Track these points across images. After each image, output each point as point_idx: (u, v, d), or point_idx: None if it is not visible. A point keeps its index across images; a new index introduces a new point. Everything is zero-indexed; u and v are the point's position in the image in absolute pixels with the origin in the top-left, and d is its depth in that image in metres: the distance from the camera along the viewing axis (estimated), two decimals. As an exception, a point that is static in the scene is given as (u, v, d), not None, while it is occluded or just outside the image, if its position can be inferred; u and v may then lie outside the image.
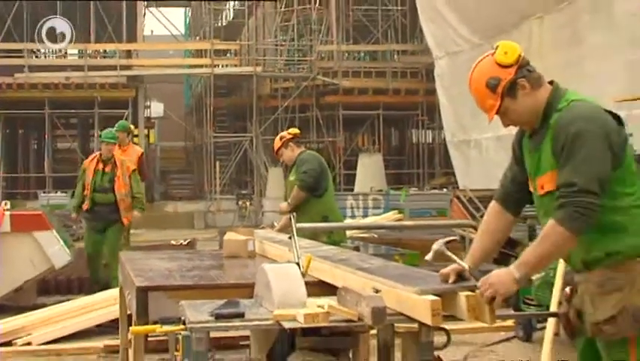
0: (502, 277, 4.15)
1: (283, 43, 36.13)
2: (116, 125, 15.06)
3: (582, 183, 4.03)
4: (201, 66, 35.89)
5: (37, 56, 35.71)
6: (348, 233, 12.59)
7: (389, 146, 40.20)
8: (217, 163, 34.89)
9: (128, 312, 7.43)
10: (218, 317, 4.53)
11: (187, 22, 48.45)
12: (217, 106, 35.93)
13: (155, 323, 4.98)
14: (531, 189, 4.45)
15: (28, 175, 37.34)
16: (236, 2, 41.66)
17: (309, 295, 4.70)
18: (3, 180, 33.88)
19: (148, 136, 40.06)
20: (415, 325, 4.49)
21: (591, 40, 17.57)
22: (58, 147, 39.64)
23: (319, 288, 5.39)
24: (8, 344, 9.79)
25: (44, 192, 30.96)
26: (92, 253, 12.72)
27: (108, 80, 33.01)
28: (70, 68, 34.03)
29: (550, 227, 4.10)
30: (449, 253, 4.58)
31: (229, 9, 43.10)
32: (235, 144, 36.39)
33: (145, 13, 38.54)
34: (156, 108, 43.48)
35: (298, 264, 5.30)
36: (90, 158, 13.14)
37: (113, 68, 33.60)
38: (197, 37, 42.16)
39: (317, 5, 34.71)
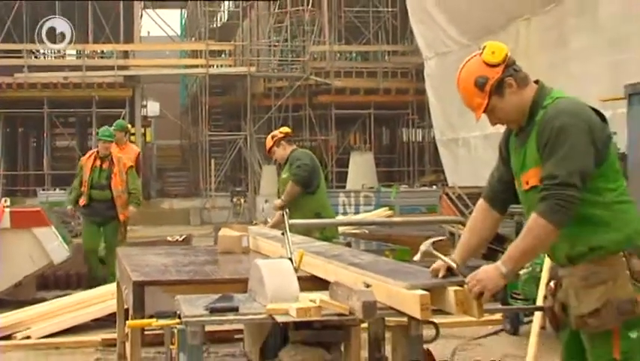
0: (490, 272, 4.17)
1: (276, 44, 36.08)
2: (114, 124, 15.03)
3: (564, 176, 4.04)
4: (197, 66, 35.86)
5: (36, 57, 35.65)
6: (340, 229, 12.58)
7: (380, 144, 40.20)
8: (212, 161, 34.86)
9: (125, 306, 7.44)
10: (213, 311, 4.53)
11: (183, 23, 48.37)
12: (212, 105, 35.88)
13: (151, 317, 4.98)
14: (516, 185, 4.46)
15: (28, 173, 37.28)
16: (231, 4, 41.60)
17: (302, 289, 4.71)
18: (3, 177, 33.84)
19: (144, 135, 40.07)
20: (405, 319, 4.50)
21: (576, 42, 17.59)
22: (56, 146, 39.59)
23: (311, 283, 5.39)
24: (8, 337, 9.78)
25: (43, 190, 30.90)
26: (89, 247, 12.69)
27: (106, 79, 32.97)
28: (69, 68, 33.97)
29: (532, 220, 4.12)
30: (436, 253, 4.59)
31: (224, 11, 43.04)
32: (230, 142, 36.38)
33: (142, 15, 38.53)
34: (153, 107, 43.45)
35: (291, 259, 5.30)
36: (87, 155, 13.11)
37: (111, 68, 33.56)
38: (193, 38, 42.10)
39: (310, 7, 34.67)
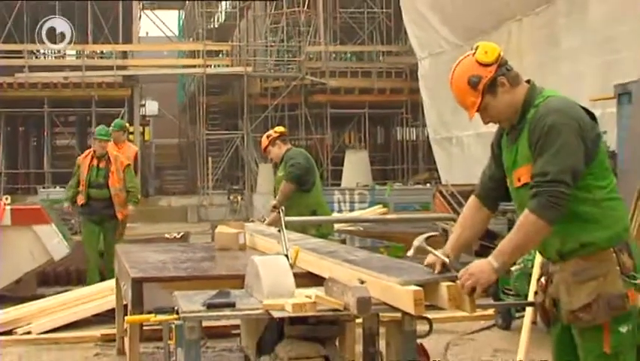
0: (482, 267, 4.17)
1: (273, 44, 36.09)
2: (113, 124, 15.01)
3: (555, 173, 4.05)
4: (194, 66, 35.82)
5: (36, 57, 35.62)
6: (335, 226, 12.58)
7: (375, 143, 40.19)
8: (209, 159, 34.85)
9: (124, 302, 7.44)
10: (210, 306, 4.54)
11: (181, 24, 48.33)
12: (209, 104, 35.86)
13: (149, 312, 4.98)
14: (508, 182, 4.47)
15: (28, 171, 37.22)
16: (228, 5, 41.58)
17: (297, 285, 4.71)
18: (4, 175, 33.79)
19: (143, 133, 40.05)
20: (399, 314, 4.50)
21: (567, 42, 17.58)
22: (57, 144, 39.53)
23: (307, 279, 5.40)
24: (9, 333, 9.80)
25: (44, 188, 30.85)
26: (90, 246, 12.66)
27: (105, 79, 32.94)
28: (69, 68, 33.92)
29: (524, 217, 4.13)
30: (429, 249, 4.59)
31: (221, 12, 43.03)
32: (227, 141, 36.36)
33: (140, 16, 38.49)
34: (151, 107, 43.43)
35: (287, 256, 5.30)
36: (84, 154, 13.03)
37: (110, 68, 33.51)
38: (191, 39, 42.05)
39: (305, 8, 34.67)
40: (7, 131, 35.79)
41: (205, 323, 4.56)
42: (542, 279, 4.52)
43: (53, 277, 13.50)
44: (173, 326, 4.56)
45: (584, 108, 4.29)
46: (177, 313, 4.56)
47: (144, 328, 7.15)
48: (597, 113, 4.47)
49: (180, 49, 42.46)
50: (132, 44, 36.07)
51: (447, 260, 4.47)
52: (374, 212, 18.97)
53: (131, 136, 33.80)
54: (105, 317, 10.09)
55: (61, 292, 11.72)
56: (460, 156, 23.55)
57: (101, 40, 35.59)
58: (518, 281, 9.14)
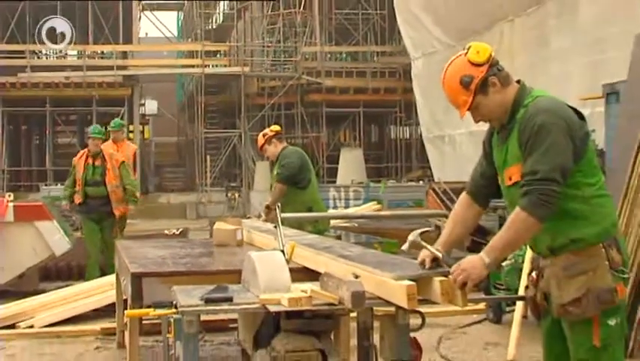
0: (474, 262, 4.18)
1: (270, 44, 36.07)
2: (112, 123, 15.01)
3: (545, 171, 4.05)
4: (193, 66, 35.82)
5: (38, 57, 35.58)
6: (331, 223, 12.58)
7: (369, 141, 40.16)
8: (208, 157, 34.85)
9: (124, 297, 7.44)
10: (208, 301, 4.53)
11: (179, 25, 48.30)
12: (207, 103, 35.86)
13: (148, 307, 4.97)
14: (500, 181, 4.47)
15: (31, 169, 37.18)
16: (226, 6, 41.55)
17: (293, 280, 4.71)
18: (7, 173, 33.76)
19: (143, 132, 39.99)
20: (392, 308, 4.50)
21: (557, 42, 17.59)
22: (58, 143, 39.45)
23: (303, 274, 5.39)
24: (12, 326, 9.80)
25: (45, 185, 30.79)
26: (91, 244, 12.64)
27: (105, 79, 32.92)
28: (70, 68, 33.91)
29: (515, 214, 4.13)
30: (424, 243, 4.59)
31: (219, 13, 43.00)
32: (225, 139, 36.36)
33: (140, 17, 38.46)
34: (150, 106, 43.38)
35: (283, 251, 5.30)
36: (79, 155, 12.91)
37: (110, 68, 33.49)
38: (189, 39, 42.05)
39: (301, 9, 34.66)
40: (10, 130, 35.76)
41: (203, 317, 4.55)
42: (533, 273, 4.53)
43: (55, 273, 13.50)
44: (172, 320, 4.55)
45: (572, 108, 4.30)
46: (176, 307, 4.55)
47: (144, 322, 7.14)
48: (586, 112, 4.48)
49: (179, 49, 42.44)
50: (132, 45, 36.04)
51: (440, 255, 4.47)
52: (368, 209, 19.00)
53: (131, 134, 33.94)
54: (105, 312, 10.10)
55: (63, 287, 11.72)
56: (453, 154, 23.56)
57: (102, 40, 35.59)
58: (509, 276, 9.15)
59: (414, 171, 34.16)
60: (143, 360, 6.98)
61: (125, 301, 6.67)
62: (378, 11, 35.34)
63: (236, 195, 32.59)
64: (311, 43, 35.36)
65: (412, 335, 4.70)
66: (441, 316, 9.59)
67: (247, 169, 34.44)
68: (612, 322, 4.18)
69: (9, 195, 12.94)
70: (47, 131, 35.00)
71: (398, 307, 4.42)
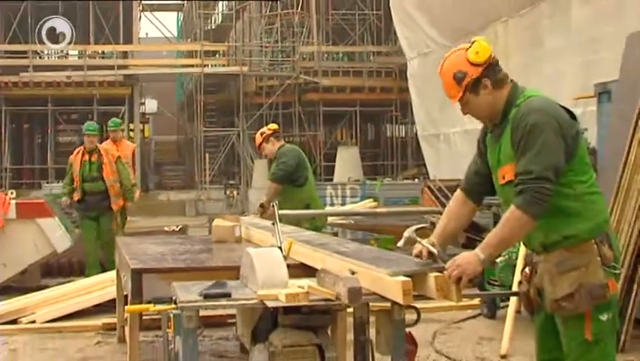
0: (469, 258, 4.18)
1: (268, 44, 36.06)
2: (111, 123, 14.98)
3: (539, 170, 4.06)
4: (192, 66, 35.82)
5: (40, 57, 35.53)
6: (328, 220, 12.57)
7: (365, 139, 40.17)
8: (207, 155, 34.84)
9: (124, 293, 7.44)
10: (207, 296, 4.53)
11: (179, 25, 48.30)
12: (207, 102, 35.85)
13: (148, 302, 4.97)
14: (494, 179, 4.47)
15: (33, 167, 37.18)
16: (225, 7, 41.53)
17: (291, 276, 4.71)
18: (9, 171, 33.73)
19: (143, 130, 40.00)
20: (388, 304, 4.50)
21: (550, 43, 17.58)
22: (60, 141, 39.42)
23: (300, 270, 5.39)
24: (14, 322, 9.79)
25: (47, 182, 30.79)
26: (89, 243, 12.63)
27: (106, 78, 32.89)
28: (71, 67, 33.90)
29: (510, 212, 4.14)
30: (419, 240, 4.59)
31: (218, 13, 42.99)
32: (223, 137, 36.33)
33: (140, 17, 38.44)
34: (151, 105, 43.38)
35: (280, 248, 5.30)
36: (75, 152, 12.87)
37: (111, 67, 33.48)
38: (189, 39, 42.05)
39: (299, 10, 34.66)
40: (13, 129, 35.73)
41: (202, 313, 4.55)
42: (527, 269, 4.54)
43: (57, 269, 13.51)
44: (172, 315, 4.55)
45: (563, 107, 4.31)
46: (175, 303, 4.55)
47: (144, 317, 7.15)
48: (578, 111, 4.50)
49: (179, 49, 42.43)
50: (132, 45, 36.03)
51: (435, 251, 4.47)
52: (365, 206, 18.98)
53: (131, 133, 33.97)
54: (106, 307, 10.09)
55: (64, 283, 11.73)
56: (448, 152, 23.55)
57: (103, 40, 35.59)
58: (503, 272, 9.16)
59: (409, 168, 34.15)
60: (143, 355, 6.98)
61: (126, 296, 6.67)
62: (375, 12, 35.36)
63: (235, 192, 32.60)
64: (308, 43, 35.36)
65: (407, 330, 4.71)
66: (436, 311, 9.59)
67: (245, 167, 34.43)
68: (604, 317, 4.18)
69: (11, 193, 12.96)
70: (49, 130, 35.00)
71: (394, 303, 4.43)
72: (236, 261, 5.46)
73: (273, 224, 6.02)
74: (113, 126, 14.84)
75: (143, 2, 38.70)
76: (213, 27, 42.18)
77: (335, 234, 12.12)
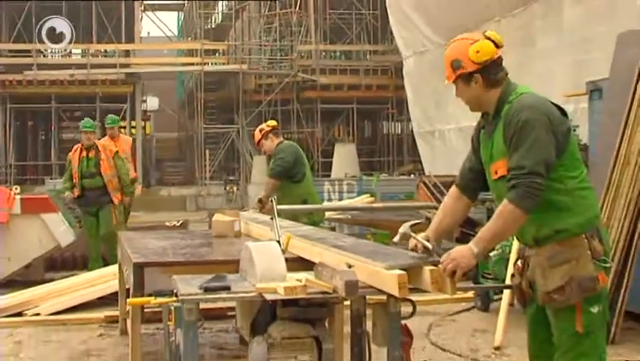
0: (463, 252, 4.19)
1: (267, 43, 36.04)
2: (109, 120, 14.97)
3: (530, 166, 4.07)
4: (192, 64, 35.80)
5: (44, 55, 35.47)
6: (325, 215, 12.56)
7: (362, 136, 40.16)
8: (207, 152, 34.83)
9: (127, 286, 7.43)
10: (207, 289, 4.54)
11: (180, 24, 48.25)
12: (207, 100, 35.83)
13: (150, 295, 4.97)
14: (487, 174, 4.48)
15: (37, 163, 37.13)
16: (225, 7, 41.50)
17: (289, 270, 4.71)
18: (14, 167, 33.73)
19: (144, 127, 39.95)
20: (384, 296, 4.50)
21: (542, 42, 17.58)
22: (63, 138, 39.39)
23: (298, 263, 5.39)
24: (19, 314, 9.81)
25: (51, 178, 30.70)
26: (90, 238, 12.63)
27: (108, 77, 32.87)
28: (74, 66, 33.82)
29: (503, 206, 4.14)
30: (414, 235, 4.60)
31: (218, 13, 42.94)
32: (223, 134, 36.31)
33: (142, 17, 38.43)
34: (152, 102, 43.30)
35: (279, 242, 5.30)
36: (73, 149, 12.85)
37: (113, 66, 33.49)
38: (189, 38, 42.02)
39: (297, 9, 34.64)
40: (17, 126, 35.71)
41: (202, 306, 4.55)
42: (519, 262, 4.54)
43: (60, 263, 13.50)
44: (173, 308, 4.56)
45: (554, 104, 4.32)
46: (176, 296, 4.55)
47: (145, 310, 7.14)
48: (570, 108, 4.51)
49: (179, 48, 42.42)
50: (134, 44, 36.00)
51: (430, 246, 4.47)
52: (362, 201, 18.98)
53: (133, 130, 33.94)
54: (109, 300, 10.09)
55: (68, 276, 11.73)
56: (443, 148, 23.54)
57: (105, 39, 35.57)
58: (496, 266, 9.17)
59: (405, 165, 34.16)
60: (145, 347, 6.98)
61: (128, 290, 6.67)
62: (371, 11, 35.33)
63: (235, 188, 32.57)
64: (306, 42, 35.34)
65: (403, 322, 4.71)
66: (431, 304, 9.61)
67: (245, 163, 34.41)
68: (594, 309, 4.19)
69: (16, 188, 12.95)
70: (53, 127, 34.98)
71: (390, 296, 4.43)
72: (235, 255, 5.46)
73: (272, 219, 6.02)
74: (111, 123, 14.85)
75: (144, 2, 38.71)
76: (213, 26, 42.13)
77: (332, 228, 12.11)
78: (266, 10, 35.62)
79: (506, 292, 8.42)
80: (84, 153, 12.58)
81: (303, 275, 4.59)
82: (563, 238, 4.19)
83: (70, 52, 36.57)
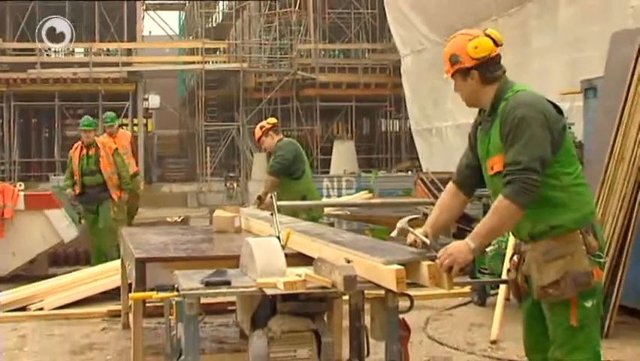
0: (460, 247, 4.18)
1: (266, 42, 36.00)
2: (106, 117, 14.96)
3: (526, 161, 4.07)
4: (194, 63, 35.75)
5: (47, 54, 35.46)
6: (324, 211, 12.56)
7: (361, 133, 40.11)
8: (208, 149, 34.78)
9: (129, 281, 7.44)
10: (208, 284, 4.54)
11: (181, 23, 48.23)
12: (208, 98, 35.80)
13: (152, 290, 4.97)
14: (483, 170, 4.48)
15: (40, 160, 37.10)
16: (225, 6, 41.49)
17: (289, 265, 4.71)
18: (18, 164, 33.71)
19: (146, 125, 39.94)
20: (383, 291, 4.50)
21: (538, 41, 17.56)
22: (66, 135, 39.30)
23: (297, 259, 5.39)
24: (23, 309, 9.82)
25: (54, 175, 30.69)
26: (91, 232, 12.63)
27: (111, 75, 32.81)
28: (77, 64, 33.83)
29: (498, 202, 4.14)
30: (411, 230, 4.59)
31: (218, 12, 42.92)
32: (224, 131, 36.30)
33: (144, 16, 38.41)
34: (154, 100, 43.27)
35: (279, 238, 5.29)
36: (74, 147, 12.83)
37: (115, 64, 33.44)
38: (190, 37, 41.99)
39: (297, 8, 34.60)
40: (21, 123, 35.67)
41: (203, 300, 4.55)
42: (515, 257, 4.54)
43: (63, 258, 13.51)
44: (174, 302, 4.56)
45: (550, 102, 4.31)
46: (177, 290, 4.55)
47: (147, 304, 7.13)
48: (565, 106, 4.50)
49: (181, 46, 42.37)
50: (136, 42, 35.98)
51: (427, 241, 4.47)
52: (360, 197, 18.96)
53: (135, 127, 33.92)
54: (111, 295, 10.10)
55: (71, 271, 11.73)
56: (440, 145, 23.54)
57: (108, 38, 35.60)
58: (493, 261, 9.18)
59: (403, 161, 34.13)
60: (147, 340, 6.98)
61: (130, 284, 6.68)
62: (370, 10, 35.31)
63: (235, 184, 32.58)
64: (306, 41, 35.31)
65: (401, 316, 4.71)
66: (428, 298, 9.61)
67: (245, 160, 34.40)
68: (589, 303, 4.20)
69: (20, 185, 12.94)
70: (56, 125, 34.94)
71: (388, 290, 4.43)
72: (236, 250, 5.46)
73: (272, 215, 6.01)
74: (110, 121, 14.81)
75: (146, 2, 38.68)
76: (214, 25, 42.11)
77: (331, 224, 12.09)
78: (266, 9, 35.58)
79: (502, 287, 8.42)
80: (84, 151, 12.56)
81: (303, 270, 4.59)
82: (559, 233, 4.19)
83: (73, 51, 36.56)
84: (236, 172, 35.14)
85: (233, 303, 7.03)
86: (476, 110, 4.58)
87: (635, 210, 8.29)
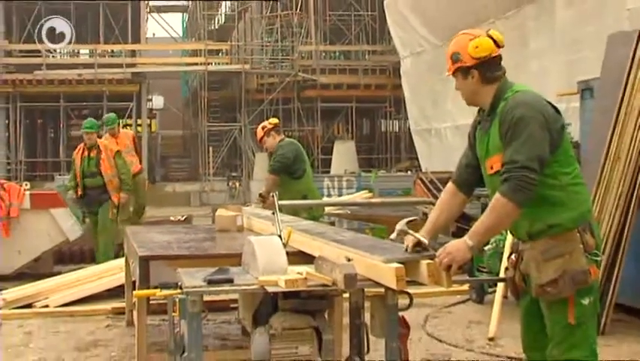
0: (458, 245, 4.18)
1: (268, 43, 36.02)
2: (106, 119, 14.91)
3: (524, 160, 4.06)
4: (196, 64, 35.77)
5: (53, 56, 35.47)
6: (325, 210, 12.54)
7: (361, 134, 40.10)
8: (210, 149, 34.80)
9: (133, 278, 7.43)
10: (211, 282, 4.53)
11: (184, 25, 48.20)
12: (210, 99, 35.77)
13: (155, 287, 4.96)
14: (482, 170, 4.47)
15: (46, 160, 37.09)
16: (228, 8, 41.50)
17: (290, 263, 4.70)
18: (24, 163, 33.73)
19: (150, 125, 39.95)
20: (382, 289, 4.49)
21: (535, 43, 17.56)
22: (71, 135, 39.21)
23: (299, 257, 5.38)
24: (29, 306, 9.83)
25: (60, 175, 30.65)
26: (93, 234, 12.62)
27: (115, 76, 32.85)
28: (82, 66, 33.88)
29: (496, 200, 4.13)
30: (410, 231, 4.59)
31: (221, 14, 42.95)
32: (226, 132, 36.33)
33: (147, 18, 38.40)
34: (157, 101, 43.33)
35: (280, 236, 5.29)
36: (77, 149, 12.77)
37: (120, 65, 33.48)
38: (193, 39, 42.01)
39: (298, 11, 34.63)
40: (27, 124, 35.69)
41: (206, 298, 4.54)
42: (513, 256, 4.53)
43: (68, 256, 13.52)
44: (177, 299, 4.55)
45: (548, 102, 4.31)
46: (181, 288, 4.55)
47: (151, 302, 7.14)
48: (562, 107, 4.50)
49: (184, 48, 42.37)
50: (140, 44, 36.01)
51: (425, 240, 4.47)
52: (360, 197, 18.96)
53: (139, 128, 33.93)
54: (115, 292, 10.11)
55: (76, 269, 11.74)
56: (439, 146, 23.53)
57: (112, 40, 35.61)
58: (491, 259, 9.17)
59: (403, 161, 34.13)
60: (150, 337, 6.97)
61: (134, 282, 6.67)
62: (370, 13, 35.35)
63: (237, 184, 32.60)
64: (307, 43, 35.33)
65: (400, 314, 4.71)
66: (427, 296, 9.60)
67: (247, 160, 34.42)
68: (586, 301, 4.19)
69: (26, 184, 12.94)
70: (61, 125, 34.95)
71: (387, 288, 4.42)
72: (238, 249, 5.45)
73: (273, 214, 6.00)
74: (110, 123, 14.73)
75: (150, 4, 38.69)
76: (217, 27, 42.14)
77: (332, 223, 12.07)
78: (267, 11, 35.61)
79: (500, 285, 8.41)
80: (86, 153, 12.52)
81: (304, 268, 4.58)
82: (557, 232, 4.19)
83: (78, 52, 36.54)
84: (238, 172, 35.15)
85: (235, 300, 7.02)
86: (474, 111, 4.58)
87: (631, 209, 8.29)
